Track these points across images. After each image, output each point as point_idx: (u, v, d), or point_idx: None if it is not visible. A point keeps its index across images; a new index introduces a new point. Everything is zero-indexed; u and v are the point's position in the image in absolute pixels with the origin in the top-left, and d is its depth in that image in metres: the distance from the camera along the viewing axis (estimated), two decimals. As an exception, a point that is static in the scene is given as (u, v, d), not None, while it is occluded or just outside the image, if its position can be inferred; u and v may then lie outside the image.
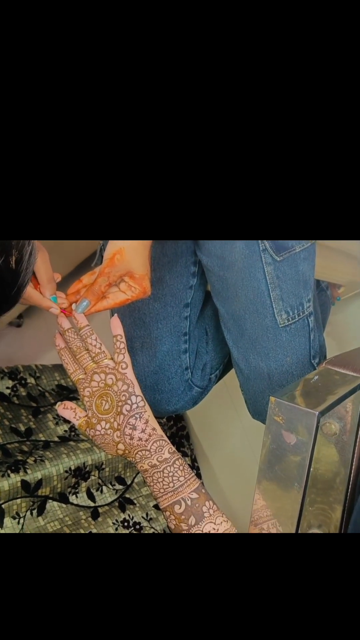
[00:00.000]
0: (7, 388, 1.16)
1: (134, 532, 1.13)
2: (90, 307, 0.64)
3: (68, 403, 0.65)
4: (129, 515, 1.15)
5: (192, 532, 0.58)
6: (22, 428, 1.13)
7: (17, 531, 0.98)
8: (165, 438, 0.61)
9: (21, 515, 1.00)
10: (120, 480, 1.20)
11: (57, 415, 1.18)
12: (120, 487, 1.19)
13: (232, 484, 1.36)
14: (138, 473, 1.24)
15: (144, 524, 1.16)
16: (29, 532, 0.99)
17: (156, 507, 1.21)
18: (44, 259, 0.62)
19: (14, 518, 0.99)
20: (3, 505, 0.97)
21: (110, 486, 1.17)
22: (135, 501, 1.19)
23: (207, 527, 0.58)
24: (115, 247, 0.62)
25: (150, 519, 1.18)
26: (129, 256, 0.62)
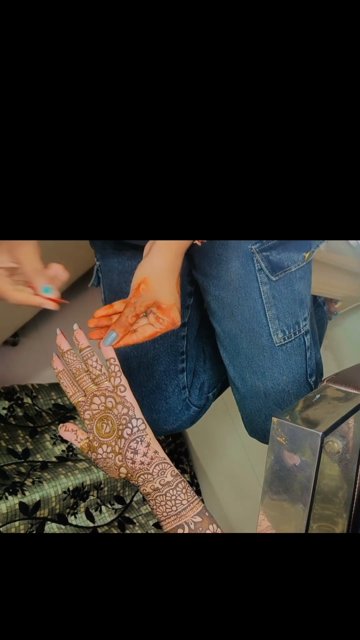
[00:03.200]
0: (4, 409, 1.16)
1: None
2: (118, 340, 0.62)
3: (69, 425, 0.64)
4: (128, 535, 1.14)
5: (196, 555, 0.58)
6: (20, 449, 1.12)
7: (16, 554, 0.97)
8: (168, 460, 0.60)
9: (20, 538, 0.99)
10: (119, 499, 1.19)
11: (55, 435, 1.17)
12: (120, 506, 1.19)
13: (231, 499, 1.36)
14: (137, 492, 1.23)
15: (144, 543, 1.15)
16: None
17: (156, 525, 1.20)
18: (32, 245, 0.57)
19: (13, 541, 0.98)
20: (1, 529, 0.96)
21: (109, 506, 1.17)
22: (134, 520, 1.18)
23: (211, 551, 0.58)
24: (140, 277, 0.60)
25: (150, 537, 1.17)
26: (154, 285, 0.60)
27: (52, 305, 0.59)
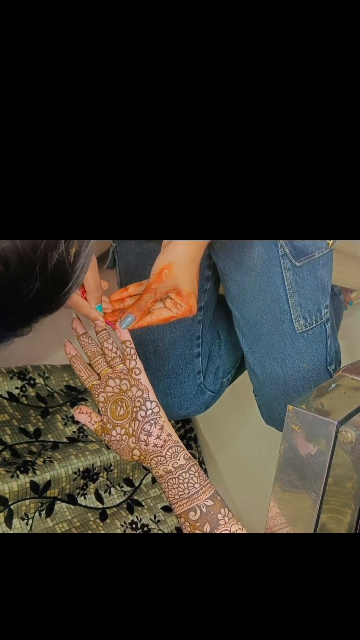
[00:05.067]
0: (16, 388, 1.16)
1: (142, 534, 1.13)
2: (135, 323, 0.62)
3: (84, 407, 0.64)
4: (137, 517, 1.14)
5: (208, 540, 0.58)
6: (31, 428, 1.12)
7: (26, 532, 0.97)
8: (181, 444, 0.60)
9: (30, 516, 0.99)
10: (129, 482, 1.20)
11: (66, 416, 1.18)
12: (129, 488, 1.19)
13: (239, 486, 1.36)
14: (146, 475, 1.24)
15: (152, 526, 1.16)
16: (37, 533, 0.99)
17: (164, 509, 1.20)
18: (94, 263, 0.60)
19: (23, 519, 0.98)
20: (12, 506, 0.96)
21: (118, 488, 1.17)
22: (143, 503, 1.18)
23: (223, 535, 0.58)
24: (164, 262, 0.60)
25: (159, 521, 1.18)
26: (177, 272, 0.60)
27: (102, 324, 0.62)
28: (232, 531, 0.58)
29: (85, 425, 0.65)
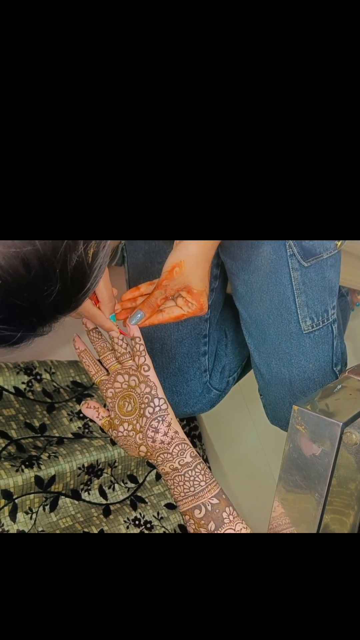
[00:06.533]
0: (23, 383, 1.16)
1: (145, 530, 1.13)
2: (145, 320, 0.62)
3: (92, 402, 0.65)
4: (140, 514, 1.15)
5: (212, 537, 0.58)
6: (37, 424, 1.13)
7: (30, 526, 0.98)
8: (188, 441, 0.61)
9: (34, 511, 1.00)
10: (132, 478, 1.20)
11: (72, 411, 1.18)
12: (132, 485, 1.19)
13: (242, 486, 1.36)
14: (150, 472, 1.24)
15: (155, 522, 1.16)
16: (41, 528, 1.00)
17: (167, 506, 1.21)
18: (106, 273, 0.60)
19: (27, 513, 0.99)
20: (16, 500, 0.97)
21: (122, 484, 1.18)
22: (146, 500, 1.19)
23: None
24: (175, 260, 0.60)
25: (162, 518, 1.18)
26: (188, 270, 0.60)
27: (117, 334, 0.63)
28: (236, 530, 0.59)
29: (92, 420, 0.66)
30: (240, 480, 1.37)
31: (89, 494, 1.11)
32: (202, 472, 0.59)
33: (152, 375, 0.61)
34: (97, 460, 1.10)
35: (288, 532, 0.59)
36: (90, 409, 0.64)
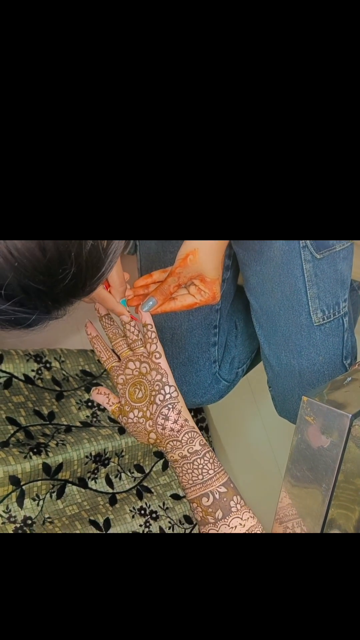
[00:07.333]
0: (32, 371, 1.17)
1: (151, 520, 1.14)
2: (157, 307, 0.62)
3: (102, 388, 0.65)
4: (145, 504, 1.16)
5: (219, 525, 0.58)
6: (45, 411, 1.14)
7: (36, 513, 0.99)
8: (197, 430, 0.61)
9: (41, 498, 1.01)
10: (139, 468, 1.21)
11: (80, 400, 1.19)
12: (139, 475, 1.20)
13: (248, 478, 1.37)
14: (157, 462, 1.25)
15: (161, 513, 1.17)
16: (47, 515, 1.01)
17: (173, 496, 1.21)
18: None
19: (34, 500, 1.00)
20: (24, 487, 0.98)
21: (128, 474, 1.18)
22: (152, 490, 1.20)
23: (234, 522, 0.58)
24: (189, 248, 0.60)
25: (167, 508, 1.19)
26: (202, 258, 0.60)
27: (127, 319, 0.63)
28: (243, 519, 0.59)
29: (100, 409, 0.66)
30: (246, 472, 1.38)
31: (95, 482, 1.11)
32: (211, 461, 0.60)
33: (163, 362, 0.61)
34: (104, 449, 1.11)
35: (295, 523, 0.59)
36: (100, 394, 0.64)
